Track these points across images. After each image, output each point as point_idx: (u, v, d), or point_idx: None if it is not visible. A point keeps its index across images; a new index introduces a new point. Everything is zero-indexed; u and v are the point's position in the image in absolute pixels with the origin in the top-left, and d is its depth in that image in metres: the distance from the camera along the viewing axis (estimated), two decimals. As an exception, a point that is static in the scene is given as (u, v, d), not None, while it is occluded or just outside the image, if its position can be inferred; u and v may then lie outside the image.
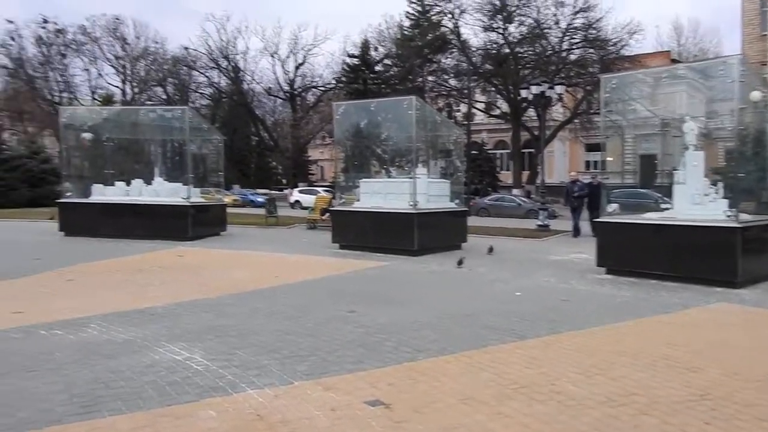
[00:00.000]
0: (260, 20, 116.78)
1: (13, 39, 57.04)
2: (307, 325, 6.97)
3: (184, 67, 60.39)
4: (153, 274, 10.75)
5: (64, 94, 58.06)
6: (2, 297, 8.46)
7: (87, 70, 60.75)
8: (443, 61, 47.73)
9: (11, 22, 57.06)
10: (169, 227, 16.33)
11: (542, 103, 20.25)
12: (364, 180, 15.82)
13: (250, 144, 66.47)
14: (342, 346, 6.04)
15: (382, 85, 48.99)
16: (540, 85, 19.62)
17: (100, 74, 61.23)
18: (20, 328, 6.57)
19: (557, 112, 45.16)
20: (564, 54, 42.17)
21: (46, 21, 57.78)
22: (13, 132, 56.71)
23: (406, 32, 49.09)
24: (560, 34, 41.84)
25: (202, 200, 18.61)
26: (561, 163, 50.61)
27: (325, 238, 17.00)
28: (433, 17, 46.58)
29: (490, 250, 13.95)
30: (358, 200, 15.76)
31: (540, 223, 20.77)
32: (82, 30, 58.59)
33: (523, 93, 21.81)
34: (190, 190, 16.97)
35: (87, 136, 20.54)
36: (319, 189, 39.18)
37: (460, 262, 12.13)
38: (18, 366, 5.26)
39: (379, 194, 14.82)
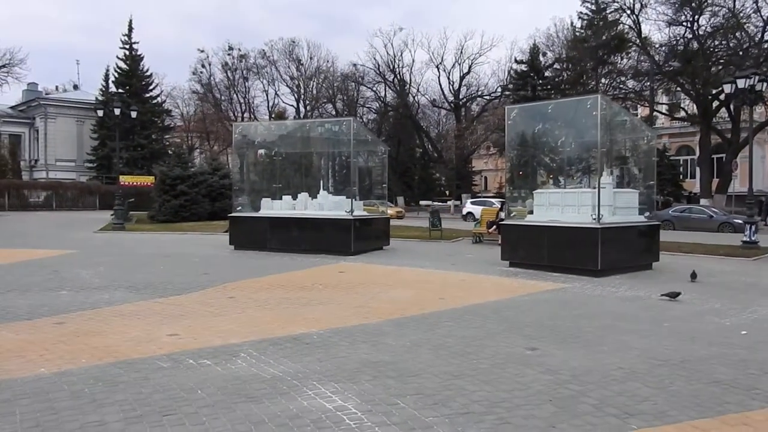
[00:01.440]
0: (427, 32, 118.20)
1: (203, 66, 62.49)
2: (480, 366, 5.80)
3: (353, 83, 62.16)
4: (313, 293, 10.19)
5: (246, 114, 62.23)
6: (166, 315, 8.25)
7: (266, 91, 64.88)
8: (620, 61, 44.23)
9: (202, 51, 62.57)
10: (333, 241, 16.01)
11: (750, 98, 17.27)
12: (538, 191, 14.31)
13: (414, 156, 66.77)
14: (526, 401, 4.79)
15: (552, 91, 46.63)
16: (749, 78, 16.73)
17: (276, 94, 65.11)
18: (171, 356, 6.10)
19: (756, 112, 39.74)
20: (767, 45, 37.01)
21: (231, 48, 62.66)
22: (200, 150, 61.83)
23: (578, 33, 46.26)
24: (762, 23, 36.79)
25: (365, 213, 18.17)
26: (759, 169, 44.60)
27: (492, 254, 15.73)
28: (609, 15, 43.32)
29: (693, 276, 11.63)
30: (530, 213, 14.31)
31: (746, 239, 17.77)
32: (262, 54, 62.68)
33: (726, 88, 18.82)
34: (353, 204, 16.54)
35: (260, 151, 21.13)
36: (493, 200, 37.76)
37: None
38: (155, 407, 4.65)
39: (556, 206, 13.25)
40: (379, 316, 8.25)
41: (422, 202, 57.34)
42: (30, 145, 60.39)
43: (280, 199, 18.36)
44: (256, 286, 10.80)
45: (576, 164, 15.91)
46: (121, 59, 55.26)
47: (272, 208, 18.02)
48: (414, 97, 61.79)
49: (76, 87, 65.54)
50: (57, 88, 66.61)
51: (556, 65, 50.60)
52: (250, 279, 11.67)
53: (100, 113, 29.17)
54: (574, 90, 43.34)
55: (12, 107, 62.17)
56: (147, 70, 56.65)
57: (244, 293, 10.05)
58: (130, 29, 55.51)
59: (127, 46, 55.45)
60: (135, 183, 44.81)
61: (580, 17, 45.76)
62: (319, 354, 6.22)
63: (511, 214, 14.98)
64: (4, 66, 54.45)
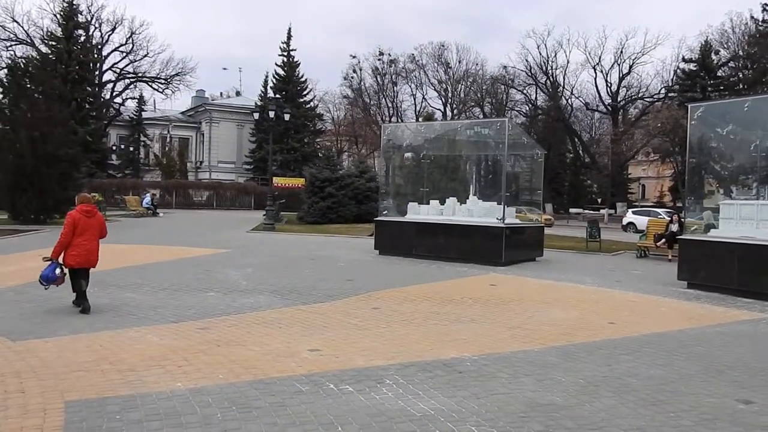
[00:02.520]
0: (584, 31, 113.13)
1: (354, 71, 63.98)
2: (681, 422, 4.61)
3: (502, 86, 60.58)
4: (463, 308, 9.31)
5: (393, 119, 62.79)
6: (308, 325, 7.77)
7: (413, 95, 65.15)
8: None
9: (354, 56, 64.10)
10: (482, 250, 15.02)
11: None
12: (725, 202, 12.37)
13: (564, 161, 63.71)
14: (758, 486, 3.58)
15: (725, 92, 42.12)
16: None
17: (424, 98, 65.10)
18: (310, 377, 5.51)
19: None
20: None
21: (381, 53, 63.62)
22: (349, 154, 63.25)
23: (761, 27, 41.38)
24: None
25: (518, 221, 16.98)
26: None
27: (661, 271, 13.96)
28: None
29: None
30: (708, 227, 12.43)
31: None
32: (411, 58, 63.01)
33: None
34: (505, 210, 15.44)
35: (407, 154, 20.65)
36: (658, 210, 34.79)
37: None
38: (289, 445, 4.02)
39: (749, 220, 11.30)
40: (540, 340, 7.20)
41: (572, 210, 54.42)
42: (196, 148, 65.13)
43: (427, 203, 17.68)
44: (402, 297, 10.12)
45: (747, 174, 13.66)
46: (279, 66, 57.88)
47: (419, 212, 17.38)
48: (567, 100, 59.02)
49: (238, 93, 69.77)
50: (221, 94, 71.39)
51: (731, 63, 45.75)
52: (395, 288, 11.02)
53: (257, 116, 30.24)
54: (752, 91, 38.78)
55: (182, 113, 67.49)
56: (302, 76, 58.91)
57: (388, 304, 9.40)
58: (289, 37, 57.98)
59: (285, 54, 57.98)
60: (287, 184, 46.54)
61: (764, 8, 40.86)
62: (475, 387, 5.33)
63: (692, 228, 13.10)
64: (177, 75, 59.34)
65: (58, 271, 8.29)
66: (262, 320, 8.00)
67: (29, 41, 52.32)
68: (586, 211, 51.87)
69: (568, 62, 58.73)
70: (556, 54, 57.64)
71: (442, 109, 63.49)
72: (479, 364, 6.08)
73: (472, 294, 10.63)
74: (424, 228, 16.42)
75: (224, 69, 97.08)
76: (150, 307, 8.64)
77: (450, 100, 64.26)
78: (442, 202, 17.49)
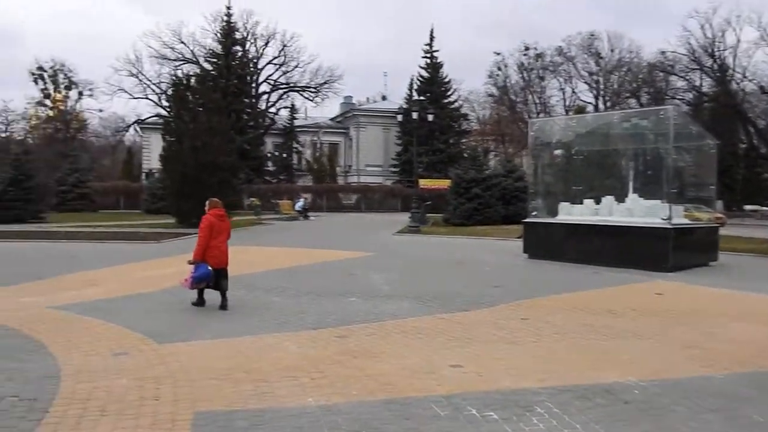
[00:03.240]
0: (757, 5, 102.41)
1: (499, 69, 62.51)
2: None
3: (660, 73, 56.08)
4: (624, 321, 8.27)
5: (540, 115, 60.50)
6: (451, 337, 7.23)
7: (562, 89, 62.38)
8: None
9: (498, 54, 62.64)
10: (644, 254, 13.56)
11: None
12: None
13: (736, 152, 57.58)
14: None
15: None
16: None
17: (573, 91, 62.09)
18: (450, 399, 4.95)
19: None
20: None
21: (527, 48, 61.57)
22: (495, 153, 61.90)
23: None
24: None
25: (686, 221, 15.23)
26: None
27: None
28: None
29: None
30: None
31: None
32: (558, 51, 60.35)
33: None
34: (671, 209, 13.86)
35: (556, 152, 19.46)
36: None
37: None
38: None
39: None
40: (723, 364, 6.08)
41: (747, 207, 49.00)
42: (345, 152, 67.10)
43: (580, 203, 16.41)
44: (553, 306, 9.24)
45: None
46: (423, 68, 58.03)
47: (571, 213, 16.18)
48: (738, 84, 53.20)
49: (384, 98, 70.96)
50: (368, 99, 73.00)
51: None
52: (546, 296, 10.14)
53: (400, 118, 30.22)
54: None
55: (331, 119, 69.90)
56: (446, 77, 58.57)
57: (539, 314, 8.58)
58: (431, 38, 57.96)
59: (428, 55, 57.99)
60: (433, 186, 46.36)
61: None
62: (647, 424, 4.48)
63: None
64: (325, 83, 61.51)
65: (204, 270, 8.57)
66: (402, 329, 7.57)
67: (195, 60, 56.77)
68: (764, 208, 46.45)
69: (738, 42, 52.85)
70: (723, 33, 52.08)
71: (594, 102, 60.08)
72: (649, 393, 5.17)
73: (635, 304, 9.48)
74: (578, 229, 15.22)
75: (385, 74, 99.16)
76: (292, 312, 8.54)
77: (602, 92, 60.68)
78: (597, 202, 16.14)
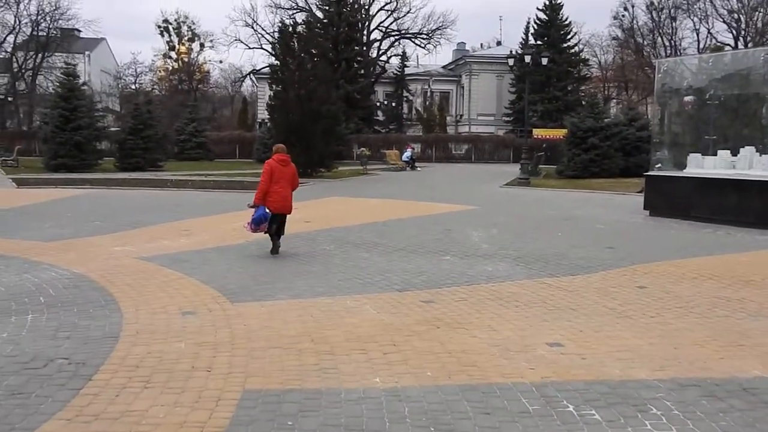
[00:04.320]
0: None
1: (626, 9, 57.67)
2: None
3: (816, 8, 49.38)
4: (766, 293, 6.95)
5: (670, 59, 55.52)
6: (552, 306, 6.34)
7: (696, 30, 56.61)
8: None
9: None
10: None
11: None
12: None
13: None
14: None
15: None
16: None
17: (709, 32, 56.23)
18: (542, 389, 4.12)
19: None
20: None
21: (657, -16, 56.15)
22: (617, 101, 57.85)
23: None
24: None
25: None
26: None
27: None
28: None
29: None
30: None
31: None
32: (696, -14, 54.58)
33: None
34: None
35: (688, 97, 17.37)
36: None
37: None
38: None
39: None
40: None
41: None
42: (456, 101, 65.25)
43: (714, 154, 14.48)
44: (677, 273, 8.00)
45: None
46: (541, 9, 54.57)
47: (702, 166, 14.31)
48: None
49: (499, 43, 67.87)
50: (482, 45, 70.24)
51: None
52: (669, 261, 8.85)
53: (511, 62, 28.36)
54: None
55: (443, 67, 67.99)
56: (566, 19, 54.75)
57: (659, 282, 7.43)
58: (551, -24, 54.15)
59: (547, -5, 54.38)
60: (547, 136, 43.98)
61: None
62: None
63: None
64: (438, 29, 59.58)
65: (267, 210, 8.78)
66: (497, 295, 6.73)
67: (308, 8, 56.66)
68: None
69: None
70: None
71: (733, 44, 54.01)
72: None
73: (779, 274, 8.04)
74: (710, 184, 13.43)
75: (500, 18, 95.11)
76: (379, 271, 7.92)
77: (744, 32, 54.48)
78: (734, 153, 14.15)
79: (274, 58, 45.81)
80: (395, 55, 60.74)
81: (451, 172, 33.51)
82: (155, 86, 62.86)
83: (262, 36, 58.01)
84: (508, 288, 7.08)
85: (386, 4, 58.75)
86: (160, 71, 63.71)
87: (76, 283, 6.83)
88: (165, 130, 36.04)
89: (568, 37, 55.08)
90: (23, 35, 54.27)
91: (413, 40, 60.66)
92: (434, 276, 7.68)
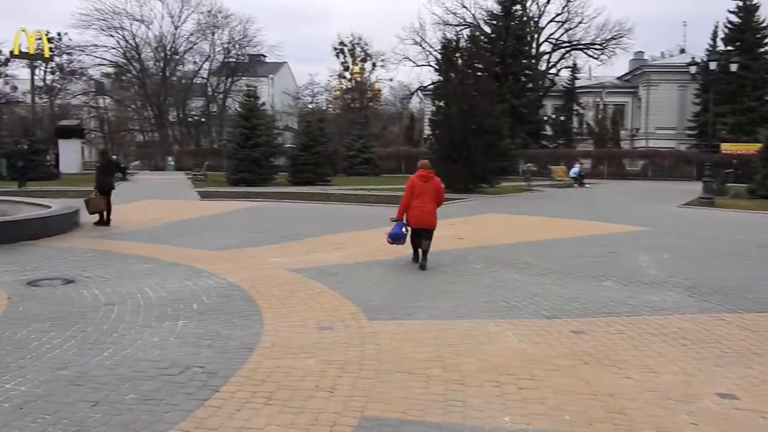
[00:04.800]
0: None
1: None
2: None
3: None
4: None
5: None
6: (730, 348, 5.47)
7: None
8: None
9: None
10: None
11: None
12: None
13: None
14: None
15: None
16: None
17: None
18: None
19: None
20: None
21: None
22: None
23: None
24: None
25: None
26: None
27: None
28: None
29: None
30: None
31: None
32: None
33: None
34: None
35: None
36: None
37: None
38: None
39: None
40: None
41: None
42: (632, 114, 61.28)
43: None
44: None
45: None
46: (733, 12, 49.59)
47: None
48: None
49: (682, 51, 62.78)
50: (662, 54, 65.45)
51: None
52: None
53: (693, 70, 25.82)
54: None
55: (618, 78, 64.28)
56: (762, 21, 49.28)
57: None
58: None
59: (740, -3, 49.27)
60: (738, 151, 39.67)
61: None
62: None
63: None
64: (612, 38, 56.63)
65: (404, 229, 9.01)
66: (662, 330, 5.94)
67: (475, 23, 56.61)
68: None
69: None
70: None
71: None
72: None
73: None
74: None
75: (684, 23, 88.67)
76: (528, 294, 7.39)
77: None
78: None
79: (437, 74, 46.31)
80: (565, 67, 58.72)
81: (623, 190, 31.37)
82: (330, 105, 66.33)
83: (430, 53, 58.89)
84: (675, 322, 6.23)
85: (557, 15, 57.09)
86: (335, 91, 67.11)
87: (228, 292, 7.12)
88: (335, 146, 37.74)
89: (766, 41, 49.47)
90: (216, 62, 60.21)
91: (585, 51, 58.30)
92: (589, 303, 7.00)
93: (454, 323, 6.05)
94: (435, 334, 5.65)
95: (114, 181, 13.93)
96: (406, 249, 9.48)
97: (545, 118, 56.87)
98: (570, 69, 57.99)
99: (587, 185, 33.72)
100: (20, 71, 55.21)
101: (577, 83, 57.36)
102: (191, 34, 58.94)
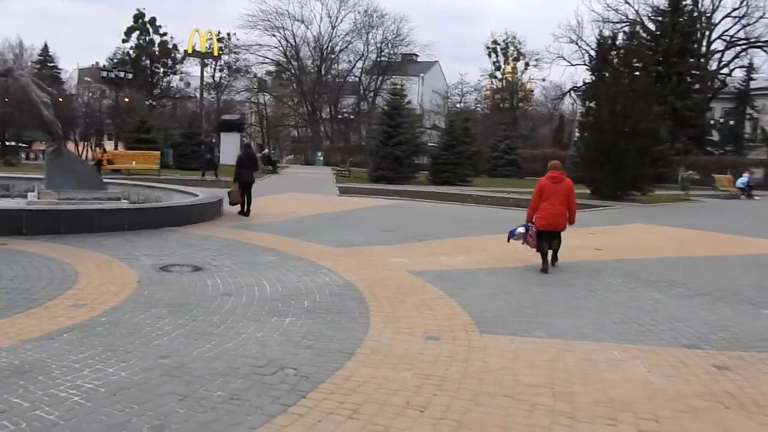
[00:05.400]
0: None
1: None
2: None
3: None
4: None
5: None
6: None
7: None
8: None
9: None
10: None
11: None
12: None
13: None
14: None
15: None
16: None
17: None
18: None
19: None
20: None
21: None
22: None
23: None
24: None
25: None
26: None
27: None
28: None
29: None
30: None
31: None
32: None
33: None
34: None
35: None
36: None
37: None
38: None
39: None
40: None
41: None
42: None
43: None
44: None
45: None
46: None
47: None
48: None
49: None
50: None
51: None
52: None
53: None
54: None
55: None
56: None
57: None
58: None
59: None
60: None
61: None
62: None
63: None
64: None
65: (521, 229, 8.99)
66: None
67: (639, 20, 53.03)
68: None
69: None
70: None
71: None
72: None
73: None
74: None
75: None
76: (667, 317, 6.57)
77: None
78: None
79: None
80: (740, 67, 53.39)
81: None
82: (478, 104, 65.53)
83: (586, 52, 56.15)
84: None
85: (733, 10, 51.96)
86: (485, 90, 66.20)
87: (342, 291, 7.03)
88: (479, 146, 37.11)
89: None
90: (369, 61, 61.78)
91: (765, 48, 52.49)
92: (741, 334, 6.07)
93: (574, 345, 5.48)
94: (550, 356, 5.14)
95: (256, 173, 14.54)
96: (536, 258, 8.92)
97: (712, 122, 52.12)
98: (745, 69, 52.65)
99: (756, 197, 30.37)
100: (193, 68, 60.38)
101: (753, 84, 51.90)
102: (347, 34, 61.08)
